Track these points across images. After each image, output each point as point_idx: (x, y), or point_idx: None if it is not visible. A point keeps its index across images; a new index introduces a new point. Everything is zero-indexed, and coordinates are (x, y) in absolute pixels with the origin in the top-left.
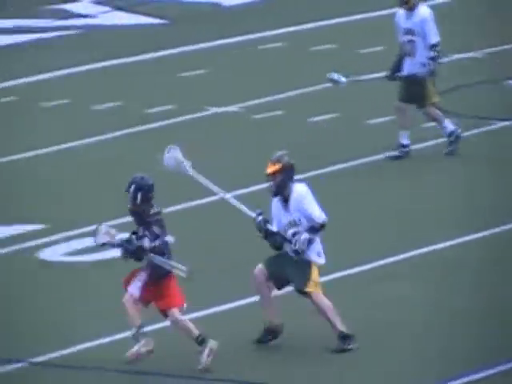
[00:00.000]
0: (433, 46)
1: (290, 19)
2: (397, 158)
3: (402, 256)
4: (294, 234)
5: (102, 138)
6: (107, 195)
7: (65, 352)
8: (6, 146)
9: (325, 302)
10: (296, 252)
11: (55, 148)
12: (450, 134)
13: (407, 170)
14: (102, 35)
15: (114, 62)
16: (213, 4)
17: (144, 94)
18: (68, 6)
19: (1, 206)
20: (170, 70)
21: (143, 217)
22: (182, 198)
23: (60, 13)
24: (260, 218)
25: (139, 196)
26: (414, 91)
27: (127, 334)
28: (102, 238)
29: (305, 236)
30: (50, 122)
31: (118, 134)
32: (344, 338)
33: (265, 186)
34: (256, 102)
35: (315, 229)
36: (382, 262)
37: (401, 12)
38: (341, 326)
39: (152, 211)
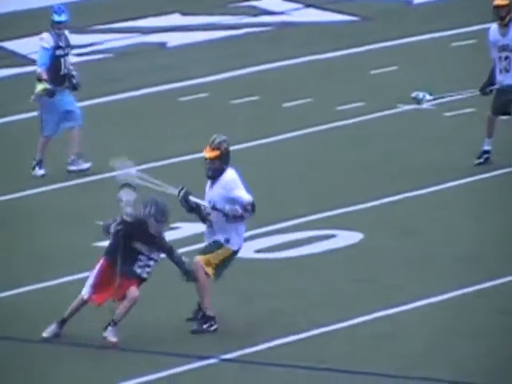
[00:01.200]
0: None
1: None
2: (482, 163)
3: None
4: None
5: (294, 134)
6: (298, 191)
7: None
8: (197, 143)
9: (205, 279)
10: (227, 216)
11: (250, 144)
12: None
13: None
14: (292, 32)
15: (305, 59)
16: (404, 2)
17: (335, 92)
18: (258, 3)
19: None
20: (361, 68)
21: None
22: None
23: (251, 10)
24: (182, 192)
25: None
26: (508, 103)
27: None
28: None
29: (229, 207)
30: (239, 118)
31: (308, 130)
32: (207, 318)
33: None
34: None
35: (247, 210)
36: None
37: (494, 28)
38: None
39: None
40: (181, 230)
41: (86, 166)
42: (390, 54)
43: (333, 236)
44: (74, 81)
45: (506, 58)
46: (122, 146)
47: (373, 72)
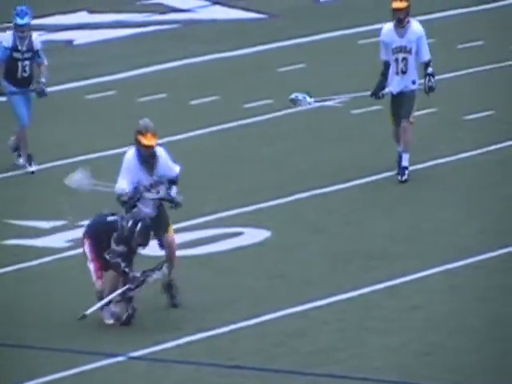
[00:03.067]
0: (429, 62)
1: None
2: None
3: None
4: (167, 189)
5: (202, 131)
6: (206, 188)
7: None
8: (105, 140)
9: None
10: (177, 204)
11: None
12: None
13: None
14: (199, 30)
15: (212, 56)
16: None
17: (242, 89)
18: (166, 1)
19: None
20: (269, 65)
21: None
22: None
23: (158, 7)
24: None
25: None
26: (407, 107)
27: None
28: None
29: (175, 189)
30: (146, 116)
31: (216, 128)
32: (171, 286)
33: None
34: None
35: (175, 181)
36: None
37: (388, 28)
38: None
39: None
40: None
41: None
42: (297, 51)
43: (240, 233)
44: (39, 88)
45: (404, 59)
46: (37, 142)
47: (280, 70)
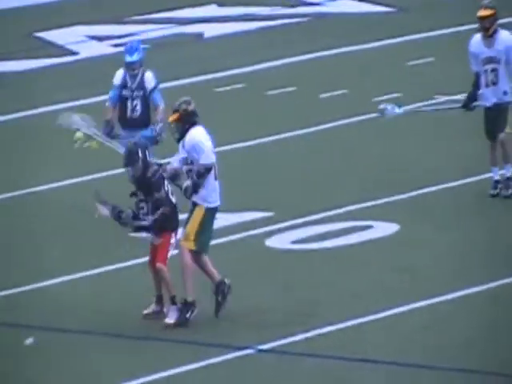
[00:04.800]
0: None
1: None
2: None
3: None
4: (187, 171)
5: (330, 125)
6: (335, 182)
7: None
8: (233, 133)
9: (189, 264)
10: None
11: (286, 135)
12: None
13: None
14: (328, 23)
15: (341, 50)
16: None
17: (371, 83)
18: None
19: (231, 193)
20: (398, 59)
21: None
22: None
23: (287, 1)
24: None
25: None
26: (501, 119)
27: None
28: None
29: (187, 184)
30: (276, 109)
31: (344, 122)
32: (185, 304)
33: None
34: None
35: (200, 173)
36: None
37: (477, 39)
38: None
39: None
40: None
41: None
42: (426, 45)
43: (370, 227)
44: (154, 133)
45: (493, 70)
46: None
47: (410, 63)
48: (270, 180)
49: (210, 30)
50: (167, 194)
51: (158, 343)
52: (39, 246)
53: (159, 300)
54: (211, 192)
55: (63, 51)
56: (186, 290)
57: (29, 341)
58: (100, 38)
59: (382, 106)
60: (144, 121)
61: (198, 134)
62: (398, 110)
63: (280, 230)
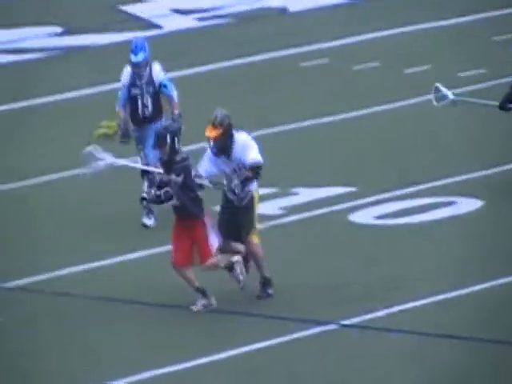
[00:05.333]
0: None
1: None
2: None
3: None
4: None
5: (414, 101)
6: (418, 158)
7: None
8: (318, 108)
9: (258, 251)
10: (238, 198)
11: (371, 110)
12: None
13: None
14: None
15: (427, 25)
16: None
17: (456, 58)
18: None
19: (315, 168)
20: (483, 34)
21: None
22: None
23: None
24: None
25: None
26: None
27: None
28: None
29: (236, 181)
30: (360, 84)
31: (429, 97)
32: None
33: None
34: None
35: (254, 171)
36: None
37: None
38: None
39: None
40: (299, 196)
41: None
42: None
43: (453, 203)
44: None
45: None
46: (246, 108)
47: (494, 38)
48: (353, 155)
49: (294, 5)
50: (192, 181)
51: (242, 317)
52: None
53: (203, 293)
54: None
55: (147, 24)
56: (263, 269)
57: None
58: (184, 12)
59: (439, 86)
60: (156, 115)
61: (246, 136)
62: (451, 96)
63: (363, 205)
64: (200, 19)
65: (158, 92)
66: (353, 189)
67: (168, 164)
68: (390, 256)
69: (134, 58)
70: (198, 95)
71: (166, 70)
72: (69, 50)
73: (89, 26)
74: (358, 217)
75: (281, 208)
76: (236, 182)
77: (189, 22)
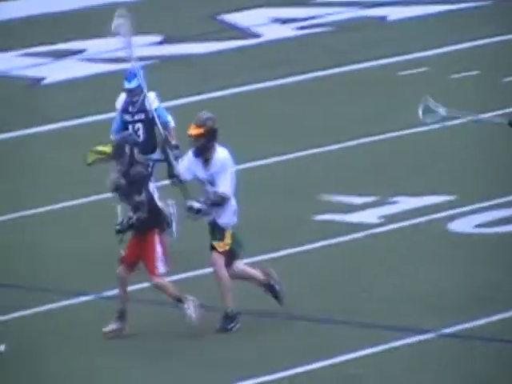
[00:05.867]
0: None
1: None
2: None
3: None
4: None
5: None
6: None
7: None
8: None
9: (226, 278)
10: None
11: (463, 120)
12: None
13: None
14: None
15: None
16: None
17: None
18: None
19: (413, 178)
20: None
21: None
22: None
23: None
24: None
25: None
26: None
27: None
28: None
29: (200, 203)
30: (458, 93)
31: None
32: (228, 317)
33: None
34: None
35: (217, 202)
36: None
37: None
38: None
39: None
40: (399, 205)
41: None
42: None
43: None
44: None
45: None
46: (344, 117)
47: None
48: (452, 163)
49: (394, 13)
50: (151, 198)
51: (339, 326)
52: None
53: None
54: (231, 215)
55: (246, 34)
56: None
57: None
58: (283, 21)
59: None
60: (149, 146)
61: (228, 157)
62: (441, 112)
63: (463, 214)
64: (299, 28)
65: (151, 121)
66: (453, 197)
67: (125, 178)
68: (490, 264)
69: (127, 85)
70: (296, 104)
71: (264, 79)
72: (167, 59)
73: (187, 35)
74: (457, 225)
75: (381, 216)
76: (198, 203)
77: (287, 31)
